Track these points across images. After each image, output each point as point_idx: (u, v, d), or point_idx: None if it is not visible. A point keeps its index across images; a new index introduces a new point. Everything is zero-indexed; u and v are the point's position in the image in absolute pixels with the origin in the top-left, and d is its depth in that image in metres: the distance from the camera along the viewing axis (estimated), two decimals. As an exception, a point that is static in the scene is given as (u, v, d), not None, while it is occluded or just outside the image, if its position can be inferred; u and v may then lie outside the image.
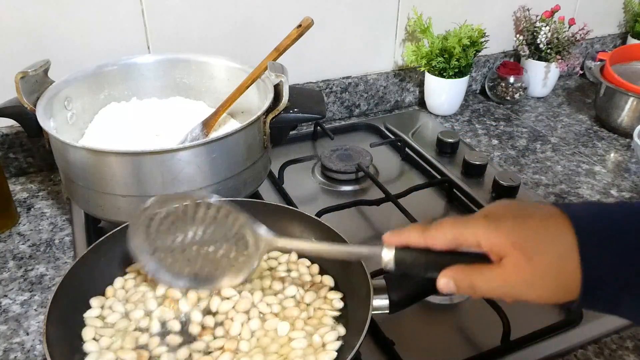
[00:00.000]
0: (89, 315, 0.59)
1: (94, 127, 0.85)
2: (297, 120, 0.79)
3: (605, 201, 0.94)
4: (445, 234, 0.46)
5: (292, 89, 0.76)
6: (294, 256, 0.67)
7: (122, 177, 0.69)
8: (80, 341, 0.56)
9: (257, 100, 0.84)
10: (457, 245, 0.45)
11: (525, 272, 0.42)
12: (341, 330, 0.57)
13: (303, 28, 0.75)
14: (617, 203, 0.56)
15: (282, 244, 0.56)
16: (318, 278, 0.64)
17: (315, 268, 0.65)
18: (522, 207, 0.45)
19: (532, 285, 0.42)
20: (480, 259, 0.45)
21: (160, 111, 0.89)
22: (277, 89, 0.76)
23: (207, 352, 0.55)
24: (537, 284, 0.42)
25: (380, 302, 0.56)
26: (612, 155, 1.09)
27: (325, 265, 0.66)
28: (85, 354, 0.55)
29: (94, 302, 0.60)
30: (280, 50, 0.77)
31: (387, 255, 0.48)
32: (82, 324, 0.58)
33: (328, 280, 0.63)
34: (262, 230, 0.56)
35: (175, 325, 0.57)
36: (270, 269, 0.65)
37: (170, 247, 0.58)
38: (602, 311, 0.43)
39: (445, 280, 0.46)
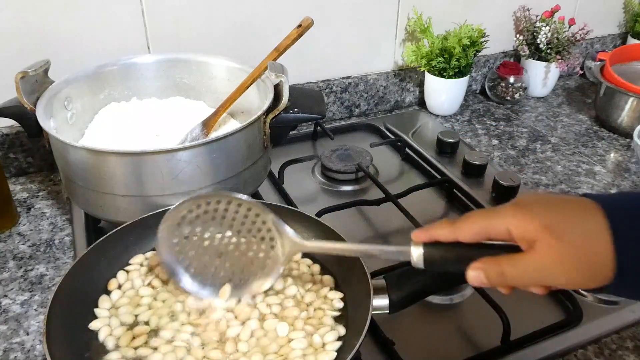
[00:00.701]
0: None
1: (94, 127, 0.85)
2: (297, 120, 0.79)
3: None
4: (473, 225, 0.45)
5: (292, 89, 0.76)
6: (296, 256, 0.67)
7: (122, 177, 0.69)
8: (80, 342, 0.56)
9: (257, 100, 0.84)
10: (486, 236, 0.45)
11: (556, 253, 0.41)
12: (341, 330, 0.57)
13: (303, 28, 0.75)
14: None
15: (310, 246, 0.56)
16: (318, 278, 0.64)
17: (316, 268, 0.65)
18: (550, 195, 0.46)
19: (564, 266, 0.41)
20: (510, 250, 0.45)
21: (160, 111, 0.89)
22: (277, 89, 0.76)
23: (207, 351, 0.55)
24: (568, 264, 0.41)
25: (380, 302, 0.56)
26: (612, 155, 1.09)
27: (326, 265, 0.66)
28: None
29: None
30: (280, 50, 0.77)
31: (416, 253, 0.48)
32: (82, 324, 0.58)
33: (328, 281, 0.63)
34: (291, 232, 0.56)
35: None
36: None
37: (200, 252, 0.58)
38: (636, 297, 0.43)
39: (474, 273, 0.45)
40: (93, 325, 0.58)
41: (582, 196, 0.44)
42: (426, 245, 0.48)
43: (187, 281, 0.59)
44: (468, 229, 0.46)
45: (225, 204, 0.56)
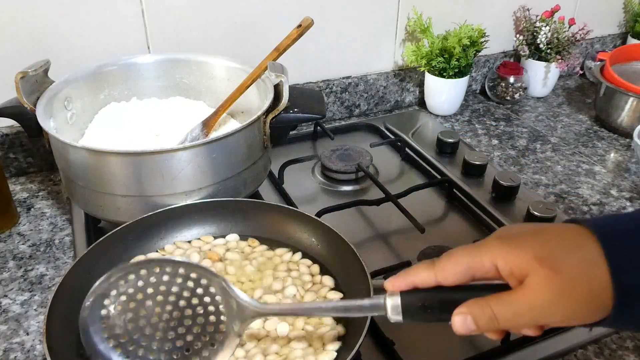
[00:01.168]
0: None
1: (94, 127, 0.85)
2: (297, 120, 0.79)
3: (606, 201, 0.94)
4: (456, 265, 0.41)
5: (292, 89, 0.76)
6: (296, 256, 0.67)
7: (122, 177, 0.69)
8: (80, 342, 0.56)
9: (257, 100, 0.84)
10: (472, 275, 0.41)
11: (553, 286, 0.37)
12: (341, 330, 0.57)
13: (303, 28, 0.75)
14: (635, 210, 0.49)
15: (270, 309, 0.50)
16: (318, 278, 0.64)
17: (316, 268, 0.66)
18: (536, 225, 0.42)
19: (562, 300, 0.37)
20: (498, 289, 0.40)
21: (160, 111, 0.89)
22: (277, 89, 0.76)
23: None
24: (567, 297, 0.37)
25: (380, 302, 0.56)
26: (612, 155, 1.09)
27: (326, 265, 0.66)
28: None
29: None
30: (280, 50, 0.77)
31: (392, 304, 0.43)
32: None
33: (328, 281, 0.63)
34: (244, 296, 0.49)
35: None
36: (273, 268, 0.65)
37: (137, 332, 0.49)
38: (636, 327, 0.39)
39: (460, 318, 0.40)
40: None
41: (569, 222, 0.40)
42: (403, 293, 0.43)
43: None
44: (450, 270, 0.41)
45: (165, 271, 0.49)
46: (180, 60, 0.91)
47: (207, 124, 0.83)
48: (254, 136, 0.75)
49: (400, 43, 1.20)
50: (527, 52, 1.27)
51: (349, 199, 0.86)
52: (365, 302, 0.46)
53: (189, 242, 0.70)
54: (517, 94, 1.26)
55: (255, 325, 0.57)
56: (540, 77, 1.29)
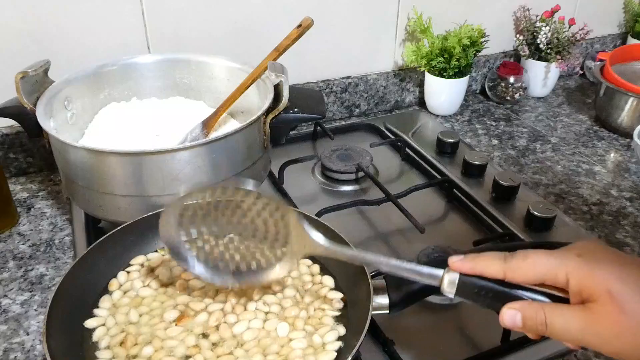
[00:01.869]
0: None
1: (93, 127, 0.85)
2: (297, 121, 0.79)
3: (606, 201, 0.94)
4: (533, 269, 0.42)
5: (292, 89, 0.76)
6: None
7: (122, 177, 0.69)
8: (80, 342, 0.57)
9: (257, 100, 0.84)
10: (542, 281, 0.42)
11: (615, 325, 0.37)
12: (341, 330, 0.57)
13: (303, 28, 0.75)
14: None
15: (331, 249, 0.52)
16: (318, 278, 0.64)
17: (316, 268, 0.65)
18: (620, 255, 0.41)
19: (620, 339, 0.37)
20: (555, 299, 0.42)
21: (160, 111, 0.89)
22: (277, 89, 0.76)
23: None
24: (622, 339, 0.37)
25: (380, 302, 0.56)
26: (612, 155, 1.09)
27: (326, 265, 0.66)
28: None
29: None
30: (280, 51, 0.77)
31: (450, 279, 0.45)
32: (82, 324, 0.58)
33: (328, 281, 0.63)
34: (313, 233, 0.53)
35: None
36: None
37: (209, 239, 0.56)
38: None
39: (511, 313, 0.42)
40: (89, 323, 0.58)
41: None
42: (463, 275, 0.44)
43: (196, 267, 0.57)
44: (523, 272, 0.42)
45: (242, 195, 0.54)
46: (180, 60, 0.91)
47: (207, 124, 0.83)
48: (254, 136, 0.75)
49: (400, 43, 1.20)
50: (527, 52, 1.27)
51: (349, 199, 0.86)
52: (425, 269, 0.47)
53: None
54: (517, 94, 1.26)
55: (255, 325, 0.57)
56: (540, 77, 1.29)
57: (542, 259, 0.41)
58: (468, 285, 0.44)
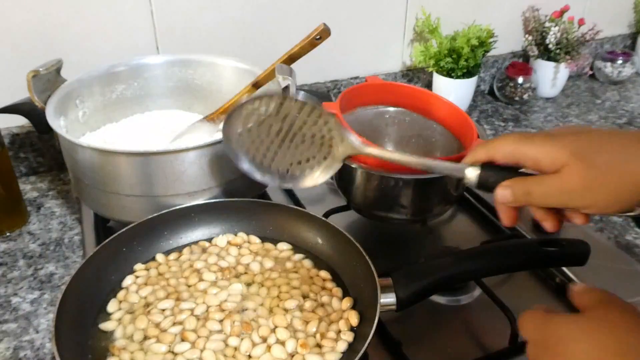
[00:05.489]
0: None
1: (105, 129, 0.86)
2: (303, 123, 0.79)
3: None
4: (505, 146, 0.47)
5: (300, 91, 0.76)
6: (307, 262, 0.68)
7: (126, 176, 0.69)
8: (89, 340, 0.57)
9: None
10: (517, 160, 0.46)
11: (585, 178, 0.42)
12: (349, 337, 0.58)
13: (322, 40, 0.75)
14: None
15: (368, 151, 0.56)
16: (329, 285, 0.65)
17: (326, 274, 0.66)
18: (585, 127, 0.48)
19: (591, 190, 0.43)
20: None
21: (174, 123, 0.89)
22: (285, 92, 0.76)
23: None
24: (596, 188, 0.42)
25: (388, 300, 0.56)
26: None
27: (332, 265, 0.66)
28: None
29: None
30: (293, 60, 0.77)
31: (472, 173, 0.49)
32: (91, 322, 0.59)
33: (338, 292, 0.64)
34: (352, 137, 0.57)
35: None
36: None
37: (261, 141, 0.61)
38: None
39: (502, 190, 0.47)
40: (104, 326, 0.59)
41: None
42: (483, 167, 0.49)
43: (247, 166, 0.62)
44: (500, 148, 0.47)
45: (289, 102, 0.58)
46: (189, 60, 0.91)
47: (209, 117, 0.84)
48: (261, 137, 0.75)
49: (409, 43, 1.20)
50: (536, 53, 1.26)
51: (357, 200, 0.86)
52: (449, 165, 0.52)
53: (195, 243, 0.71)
54: (526, 95, 1.25)
55: (263, 332, 0.57)
56: (549, 78, 1.28)
57: (514, 139, 0.47)
58: (488, 175, 0.49)
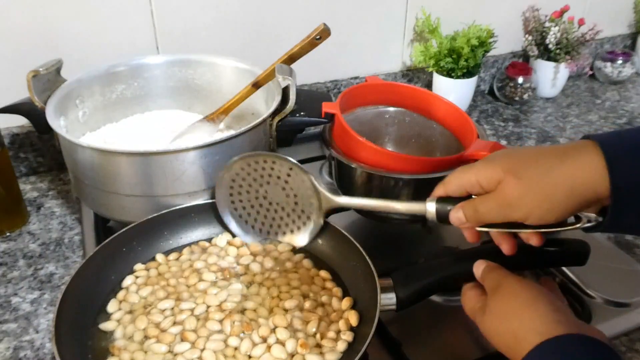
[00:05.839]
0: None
1: (105, 129, 0.86)
2: (303, 124, 0.79)
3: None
4: (453, 179, 0.53)
5: (300, 91, 0.76)
6: (306, 262, 0.68)
7: (126, 176, 0.69)
8: (89, 340, 0.57)
9: (267, 103, 0.84)
10: (464, 189, 0.52)
11: (517, 189, 0.47)
12: (349, 337, 0.57)
13: (322, 40, 0.76)
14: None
15: (342, 202, 0.63)
16: (329, 285, 0.64)
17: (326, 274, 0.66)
18: (518, 148, 0.53)
19: (525, 199, 0.47)
20: None
21: (175, 123, 0.89)
22: (285, 91, 0.76)
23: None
24: (529, 198, 0.47)
25: (388, 300, 0.56)
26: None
27: (331, 264, 0.66)
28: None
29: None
30: (294, 60, 0.77)
31: (431, 207, 0.54)
32: (91, 322, 0.59)
33: (338, 292, 0.64)
34: (326, 191, 0.63)
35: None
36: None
37: (248, 202, 0.68)
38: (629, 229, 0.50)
39: (454, 212, 0.52)
40: (104, 326, 0.59)
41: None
42: (439, 200, 0.54)
43: (234, 226, 0.69)
44: (451, 182, 0.53)
45: (271, 163, 0.65)
46: (189, 60, 0.91)
47: (209, 116, 0.84)
48: (260, 138, 0.75)
49: (409, 43, 1.20)
50: (536, 53, 1.26)
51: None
52: (411, 204, 0.58)
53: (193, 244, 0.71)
54: (526, 95, 1.25)
55: (263, 332, 0.57)
56: (549, 78, 1.28)
57: (459, 172, 0.53)
58: (442, 208, 0.54)
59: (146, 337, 0.57)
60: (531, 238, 0.51)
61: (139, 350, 0.56)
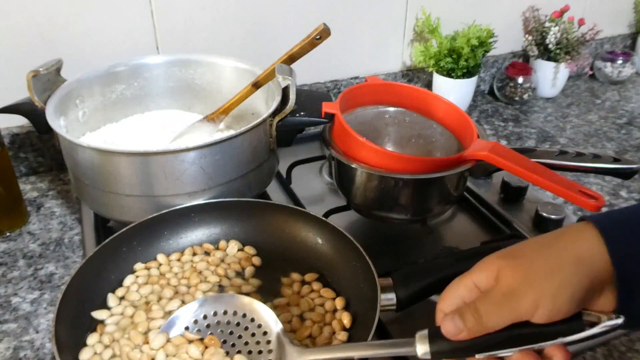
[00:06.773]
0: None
1: (105, 129, 0.86)
2: (303, 124, 0.79)
3: (615, 202, 0.93)
4: (447, 294, 0.46)
5: (300, 91, 0.76)
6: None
7: (125, 176, 0.69)
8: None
9: (267, 103, 0.84)
10: (462, 299, 0.45)
11: (517, 270, 0.42)
12: (344, 336, 0.57)
13: (322, 40, 0.76)
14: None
15: (312, 356, 0.52)
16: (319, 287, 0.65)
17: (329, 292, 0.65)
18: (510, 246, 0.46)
19: (530, 282, 0.41)
20: None
21: (174, 123, 0.90)
22: (285, 91, 0.76)
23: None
24: (533, 280, 0.41)
25: (388, 300, 0.56)
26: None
27: (332, 265, 0.66)
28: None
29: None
30: (293, 60, 0.77)
31: (422, 350, 0.45)
32: (91, 323, 0.59)
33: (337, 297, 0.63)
34: (291, 346, 0.53)
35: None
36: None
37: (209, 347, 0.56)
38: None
39: (449, 320, 0.43)
40: (97, 314, 0.59)
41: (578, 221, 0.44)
42: (431, 334, 0.45)
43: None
44: (445, 300, 0.46)
45: (232, 313, 0.58)
46: (189, 60, 0.91)
47: (209, 116, 0.84)
48: (260, 138, 0.75)
49: (409, 43, 1.20)
50: (536, 53, 1.26)
51: (357, 200, 0.86)
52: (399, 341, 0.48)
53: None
54: (526, 95, 1.25)
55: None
56: (549, 78, 1.28)
57: (452, 284, 0.46)
58: (441, 346, 0.44)
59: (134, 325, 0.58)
60: (556, 354, 0.43)
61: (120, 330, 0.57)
